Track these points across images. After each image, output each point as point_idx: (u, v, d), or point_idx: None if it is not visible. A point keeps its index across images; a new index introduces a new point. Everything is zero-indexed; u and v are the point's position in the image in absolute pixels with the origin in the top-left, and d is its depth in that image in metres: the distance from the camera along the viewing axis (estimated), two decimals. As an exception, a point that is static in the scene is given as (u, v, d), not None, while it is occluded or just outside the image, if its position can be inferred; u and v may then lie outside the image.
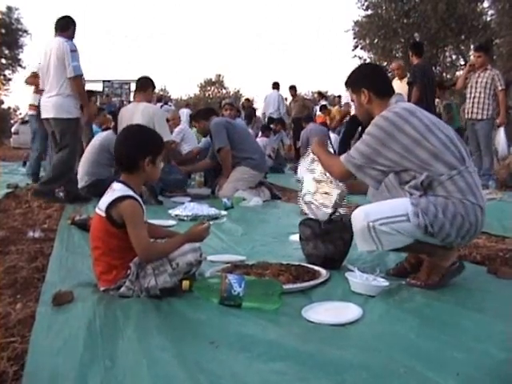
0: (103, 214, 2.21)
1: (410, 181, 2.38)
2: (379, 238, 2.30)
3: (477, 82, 6.70)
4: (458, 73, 21.04)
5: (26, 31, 27.93)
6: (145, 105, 5.59)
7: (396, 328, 1.89)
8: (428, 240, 2.33)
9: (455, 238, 2.33)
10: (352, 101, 2.90)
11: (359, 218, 2.35)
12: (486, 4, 19.35)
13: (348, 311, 2.05)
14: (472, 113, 6.74)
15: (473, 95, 6.72)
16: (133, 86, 19.33)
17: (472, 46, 19.67)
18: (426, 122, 2.40)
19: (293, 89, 13.27)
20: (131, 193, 2.24)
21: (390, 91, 2.64)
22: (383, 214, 2.31)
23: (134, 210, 2.20)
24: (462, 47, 20.32)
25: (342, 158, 2.54)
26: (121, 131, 2.55)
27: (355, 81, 2.69)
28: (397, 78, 7.93)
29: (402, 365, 1.57)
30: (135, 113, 5.48)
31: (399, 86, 7.40)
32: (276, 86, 12.84)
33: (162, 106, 10.07)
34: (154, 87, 6.01)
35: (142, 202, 2.27)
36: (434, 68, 19.26)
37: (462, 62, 20.58)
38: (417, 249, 2.43)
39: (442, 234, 2.29)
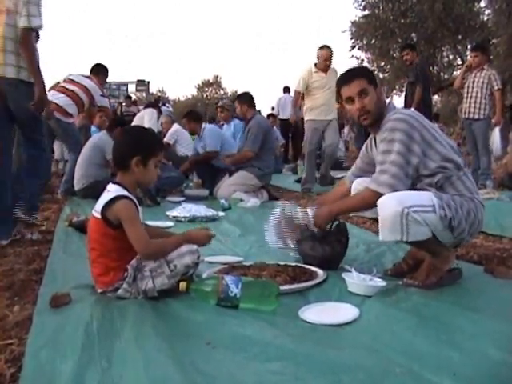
0: (99, 216, 2.21)
1: (426, 178, 2.42)
2: (408, 226, 2.24)
3: (473, 82, 6.70)
4: (455, 72, 21.04)
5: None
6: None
7: (393, 328, 1.89)
8: (443, 235, 2.34)
9: (467, 235, 2.41)
10: (360, 93, 2.54)
11: (391, 203, 2.27)
12: (482, 4, 19.37)
13: (345, 311, 2.05)
14: (469, 112, 6.74)
15: (469, 95, 6.72)
16: (130, 88, 19.36)
17: (469, 46, 19.71)
18: (431, 128, 2.47)
19: None
20: (126, 193, 2.24)
21: None
22: (415, 201, 2.26)
23: (128, 209, 2.20)
24: (459, 47, 20.31)
25: (372, 184, 2.45)
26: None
27: (372, 75, 2.67)
28: (319, 72, 6.72)
29: (399, 365, 1.57)
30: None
31: (323, 80, 6.71)
32: (287, 89, 12.93)
33: (159, 108, 10.08)
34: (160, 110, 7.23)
35: (137, 202, 2.27)
36: (431, 68, 19.28)
37: (459, 62, 20.58)
38: (428, 245, 2.38)
39: (459, 229, 2.34)
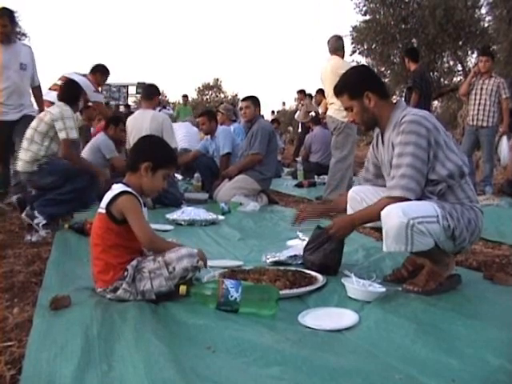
0: (103, 211, 2.26)
1: (430, 185, 2.40)
2: (413, 237, 2.24)
3: (482, 89, 6.65)
4: (455, 78, 21.08)
5: (24, 34, 27.92)
6: (153, 113, 5.83)
7: (392, 334, 1.90)
8: (445, 244, 2.35)
9: (467, 243, 2.41)
10: (346, 109, 2.66)
11: (396, 214, 2.24)
12: (483, 10, 19.38)
13: (344, 317, 2.06)
14: (477, 120, 6.68)
15: (477, 102, 6.67)
16: (131, 90, 19.36)
17: (470, 52, 19.75)
18: (443, 132, 2.44)
19: (302, 93, 13.48)
20: (129, 189, 2.30)
21: (388, 92, 2.64)
22: (419, 212, 2.25)
23: (131, 203, 2.27)
24: (460, 53, 20.31)
25: (394, 191, 2.37)
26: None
27: (355, 86, 2.58)
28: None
29: (398, 371, 1.58)
30: (144, 120, 5.65)
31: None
32: None
33: (160, 110, 10.05)
34: (159, 94, 6.26)
35: (141, 200, 2.33)
36: (431, 73, 19.29)
37: (460, 68, 20.61)
38: (430, 254, 2.38)
39: (461, 239, 2.34)
